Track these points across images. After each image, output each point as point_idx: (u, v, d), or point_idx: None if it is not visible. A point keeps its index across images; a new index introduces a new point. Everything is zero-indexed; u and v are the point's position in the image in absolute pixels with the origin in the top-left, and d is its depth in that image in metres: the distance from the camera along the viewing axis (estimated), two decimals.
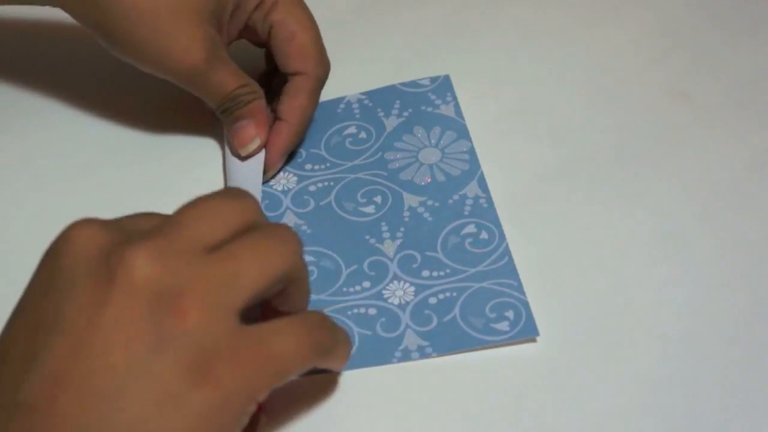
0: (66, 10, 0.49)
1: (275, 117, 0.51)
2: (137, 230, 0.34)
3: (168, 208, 0.50)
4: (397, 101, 0.55)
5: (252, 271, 0.34)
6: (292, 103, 0.51)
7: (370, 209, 0.50)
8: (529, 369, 0.43)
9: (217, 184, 0.52)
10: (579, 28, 0.60)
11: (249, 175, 0.50)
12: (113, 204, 0.50)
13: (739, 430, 0.41)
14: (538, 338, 0.44)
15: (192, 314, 0.32)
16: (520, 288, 0.45)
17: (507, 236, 0.48)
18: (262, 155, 0.51)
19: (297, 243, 0.36)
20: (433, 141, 0.53)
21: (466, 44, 0.59)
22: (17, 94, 0.57)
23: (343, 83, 0.56)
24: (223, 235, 0.34)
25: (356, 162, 0.52)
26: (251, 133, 0.50)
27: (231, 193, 0.37)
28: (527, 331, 0.44)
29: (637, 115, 0.54)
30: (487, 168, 0.51)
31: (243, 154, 0.50)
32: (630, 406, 0.41)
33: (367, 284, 0.46)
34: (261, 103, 0.51)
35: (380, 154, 0.52)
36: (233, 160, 0.51)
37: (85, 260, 0.32)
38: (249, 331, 0.33)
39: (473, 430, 0.41)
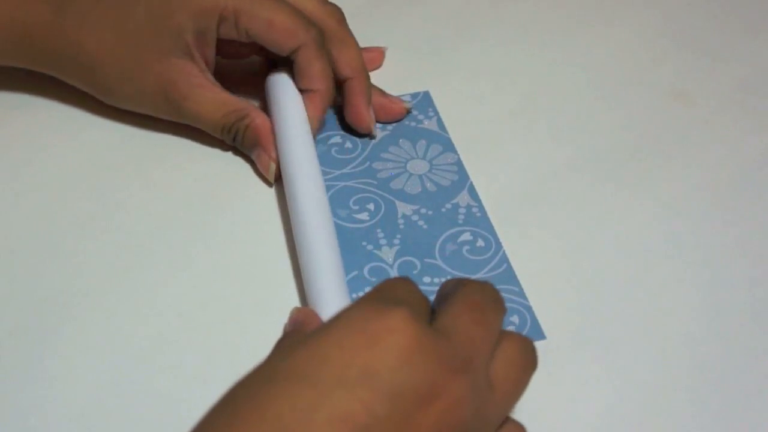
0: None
1: (301, 90, 0.52)
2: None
3: (169, 205, 0.50)
4: None
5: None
6: (309, 75, 0.51)
7: (364, 216, 0.50)
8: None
9: (219, 181, 0.52)
10: (579, 29, 0.61)
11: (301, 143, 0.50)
12: (113, 202, 0.50)
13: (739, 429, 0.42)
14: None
15: None
16: (522, 293, 0.46)
17: (503, 244, 0.48)
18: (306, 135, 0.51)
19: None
20: (420, 153, 0.53)
21: (462, 45, 0.60)
22: (17, 94, 0.55)
23: None
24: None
25: (345, 170, 0.52)
26: (264, 160, 0.51)
27: (496, 306, 0.37)
28: (534, 335, 0.44)
29: (637, 116, 0.56)
30: (481, 174, 0.52)
31: (270, 180, 0.51)
32: (633, 405, 0.42)
33: (368, 290, 0.46)
34: (257, 124, 0.51)
35: (368, 163, 0.53)
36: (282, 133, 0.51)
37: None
38: None
39: None
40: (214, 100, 0.51)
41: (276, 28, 0.49)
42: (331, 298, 0.43)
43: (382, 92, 0.55)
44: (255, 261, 0.48)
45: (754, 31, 0.61)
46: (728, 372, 0.44)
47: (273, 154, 0.50)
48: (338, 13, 0.53)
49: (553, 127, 0.55)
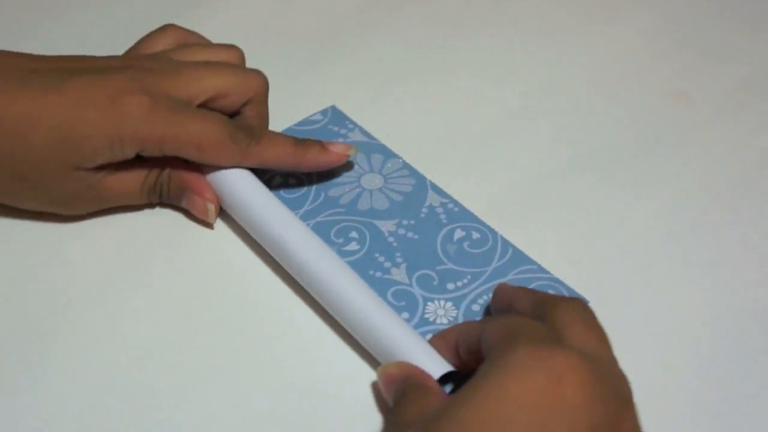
0: None
1: None
2: None
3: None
4: None
5: None
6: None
7: (354, 246, 0.48)
8: None
9: None
10: (579, 29, 0.61)
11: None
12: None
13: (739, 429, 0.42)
14: None
15: None
16: (542, 269, 0.47)
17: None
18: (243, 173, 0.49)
19: None
20: (366, 167, 0.52)
21: (462, 44, 0.60)
22: None
23: None
24: None
25: (306, 208, 0.50)
26: (199, 204, 0.49)
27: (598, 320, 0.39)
28: None
29: (637, 116, 0.56)
30: (480, 175, 0.52)
31: (211, 222, 0.49)
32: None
33: (405, 315, 0.45)
34: (178, 172, 0.49)
35: (323, 194, 0.50)
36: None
37: None
38: None
39: None
40: (129, 172, 0.48)
41: (206, 149, 0.47)
42: (416, 349, 0.42)
43: None
44: (249, 261, 0.48)
45: (754, 31, 0.62)
46: (729, 371, 0.44)
47: (208, 195, 0.48)
48: (263, 83, 0.50)
49: (553, 126, 0.55)
